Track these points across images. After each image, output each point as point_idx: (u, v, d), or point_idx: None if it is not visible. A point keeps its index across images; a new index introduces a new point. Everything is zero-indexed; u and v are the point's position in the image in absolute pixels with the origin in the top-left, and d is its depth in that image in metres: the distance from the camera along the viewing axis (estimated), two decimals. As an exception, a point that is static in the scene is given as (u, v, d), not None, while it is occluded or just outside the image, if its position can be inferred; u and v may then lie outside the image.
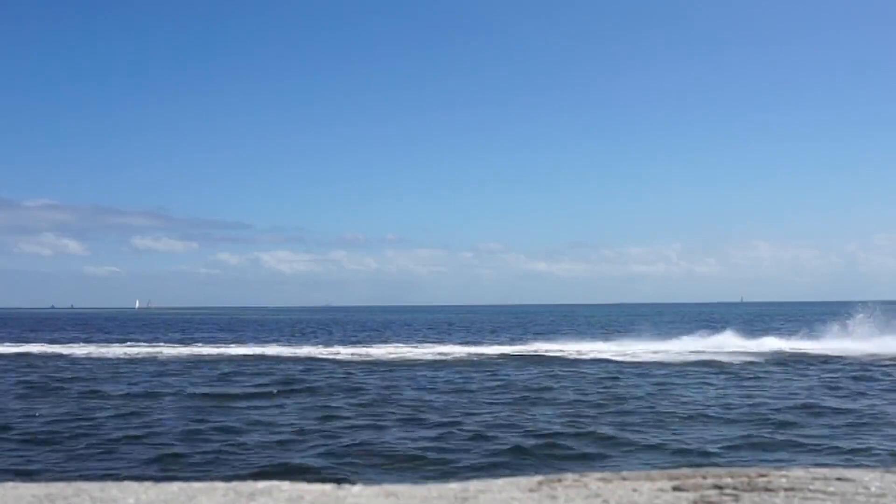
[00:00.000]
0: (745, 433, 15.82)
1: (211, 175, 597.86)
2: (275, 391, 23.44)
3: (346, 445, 14.85)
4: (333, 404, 20.61)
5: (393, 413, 18.89)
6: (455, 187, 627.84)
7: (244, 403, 21.09)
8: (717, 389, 23.21)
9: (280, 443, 15.39)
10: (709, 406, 19.64)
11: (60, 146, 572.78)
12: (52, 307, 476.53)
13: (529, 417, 18.11)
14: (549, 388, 23.69)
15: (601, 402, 20.64)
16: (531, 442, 14.93)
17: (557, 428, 16.52)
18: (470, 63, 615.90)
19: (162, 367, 32.83)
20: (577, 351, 38.67)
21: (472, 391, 23.32)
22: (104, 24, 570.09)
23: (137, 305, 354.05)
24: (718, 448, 14.46)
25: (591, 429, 16.35)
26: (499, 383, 25.36)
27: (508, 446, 14.55)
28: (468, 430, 16.20)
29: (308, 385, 25.09)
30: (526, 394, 22.43)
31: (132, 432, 16.49)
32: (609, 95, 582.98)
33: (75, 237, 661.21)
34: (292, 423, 17.56)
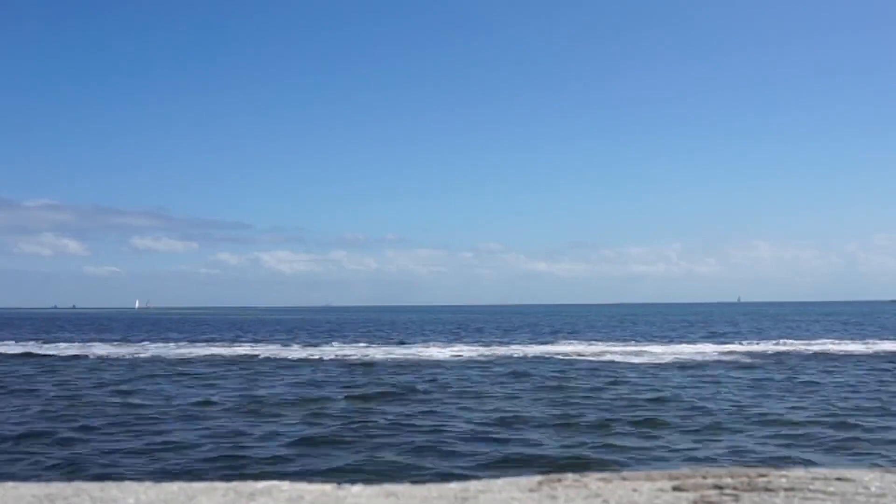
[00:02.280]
0: None
1: (211, 175, 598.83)
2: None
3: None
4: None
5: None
6: (455, 187, 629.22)
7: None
8: None
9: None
10: None
11: (60, 146, 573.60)
12: (55, 307, 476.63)
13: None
14: None
15: None
16: None
17: None
18: (470, 63, 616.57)
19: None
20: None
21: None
22: (104, 24, 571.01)
23: (137, 305, 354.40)
24: None
25: None
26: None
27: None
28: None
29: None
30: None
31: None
32: (609, 95, 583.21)
33: (75, 237, 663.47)
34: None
